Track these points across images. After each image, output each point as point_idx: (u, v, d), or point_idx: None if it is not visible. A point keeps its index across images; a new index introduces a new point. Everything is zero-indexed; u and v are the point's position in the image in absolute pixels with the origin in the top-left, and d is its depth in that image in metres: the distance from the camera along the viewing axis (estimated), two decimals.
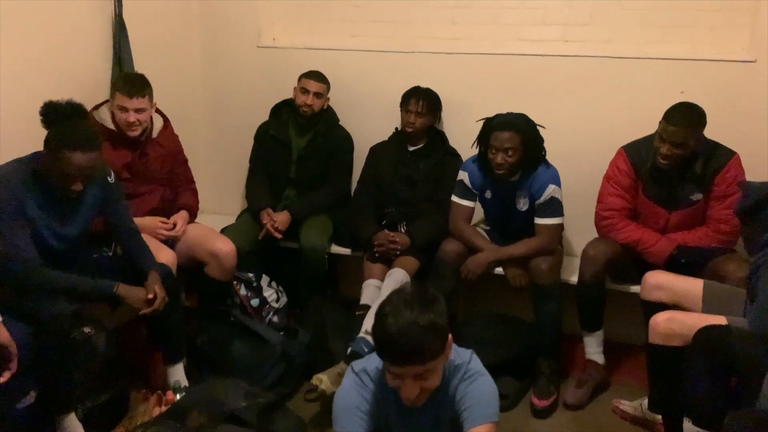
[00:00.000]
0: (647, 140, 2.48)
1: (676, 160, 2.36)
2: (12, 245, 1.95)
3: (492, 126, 2.54)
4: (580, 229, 2.93)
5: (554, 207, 2.57)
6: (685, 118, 2.32)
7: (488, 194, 2.69)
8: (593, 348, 2.60)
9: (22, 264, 1.97)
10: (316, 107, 2.94)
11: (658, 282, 2.34)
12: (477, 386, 1.60)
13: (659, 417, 2.28)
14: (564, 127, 2.80)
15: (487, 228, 2.82)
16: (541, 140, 2.58)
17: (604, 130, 2.81)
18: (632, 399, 2.44)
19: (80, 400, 2.12)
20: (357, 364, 1.67)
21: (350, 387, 1.63)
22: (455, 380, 1.61)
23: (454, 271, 2.62)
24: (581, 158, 2.84)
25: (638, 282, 2.44)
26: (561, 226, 2.64)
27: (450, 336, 1.52)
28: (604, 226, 2.56)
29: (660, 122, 2.39)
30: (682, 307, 2.22)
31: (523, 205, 2.62)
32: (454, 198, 2.71)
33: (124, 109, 2.44)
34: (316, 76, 2.96)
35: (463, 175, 2.69)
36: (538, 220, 2.59)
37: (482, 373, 1.64)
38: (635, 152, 2.50)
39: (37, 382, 1.96)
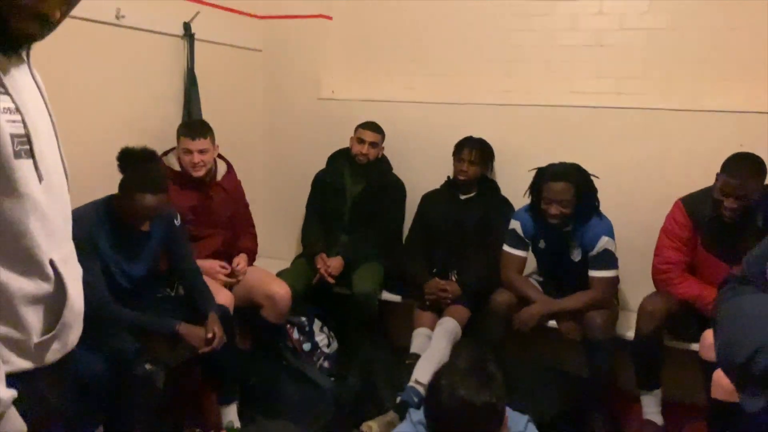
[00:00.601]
0: (705, 192, 2.44)
1: (739, 212, 2.30)
2: (86, 279, 2.06)
3: (545, 176, 2.54)
4: (635, 283, 2.87)
5: (607, 259, 2.53)
6: (746, 168, 2.28)
7: (542, 244, 2.68)
8: (651, 408, 2.51)
9: (95, 298, 2.07)
10: (371, 156, 3.03)
11: None
12: None
13: None
14: (617, 179, 2.79)
15: (540, 279, 2.80)
16: (595, 190, 2.57)
17: (658, 183, 2.79)
18: None
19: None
20: (415, 414, 1.66)
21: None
22: None
23: (504, 321, 2.59)
24: (635, 211, 2.82)
25: (698, 339, 2.36)
26: (615, 279, 2.59)
27: (507, 416, 1.50)
28: (661, 279, 2.51)
29: (719, 174, 2.35)
30: None
31: (576, 255, 2.60)
32: (506, 248, 2.71)
33: (188, 151, 2.59)
34: (372, 126, 3.06)
35: (515, 224, 2.69)
36: (592, 273, 2.55)
37: None
38: (693, 205, 2.46)
39: (105, 413, 2.03)
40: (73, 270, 1.17)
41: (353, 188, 3.11)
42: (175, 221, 2.34)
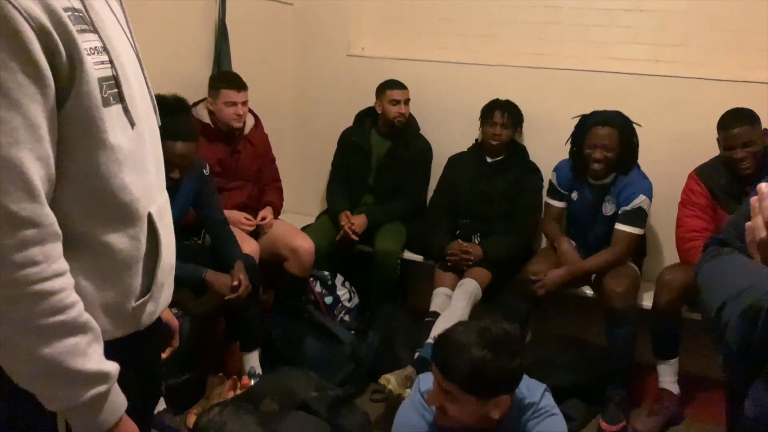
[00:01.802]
0: (715, 160, 2.47)
1: (751, 160, 2.33)
2: None
3: (589, 122, 2.55)
4: (658, 255, 2.86)
5: (640, 216, 2.55)
6: (740, 117, 2.35)
7: (575, 196, 2.70)
8: (668, 377, 2.52)
9: None
10: (407, 114, 3.02)
11: None
12: (547, 425, 1.58)
13: None
14: (651, 149, 2.73)
15: (574, 244, 2.76)
16: (637, 140, 2.58)
17: (694, 156, 2.71)
18: None
19: (163, 377, 2.25)
20: (423, 383, 1.67)
21: (412, 406, 1.63)
22: (525, 417, 1.60)
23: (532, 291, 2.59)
24: (667, 183, 2.75)
25: None
26: (640, 238, 2.61)
27: (506, 398, 1.51)
28: (687, 249, 2.48)
29: (718, 136, 2.39)
30: None
31: (609, 210, 2.61)
32: (545, 198, 2.78)
33: (233, 103, 2.61)
34: (398, 84, 3.03)
35: (552, 175, 2.74)
36: (620, 226, 2.56)
37: (553, 411, 1.61)
38: (706, 173, 2.48)
39: None
40: (168, 223, 1.08)
41: (379, 149, 3.10)
42: (204, 171, 2.37)
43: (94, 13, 0.90)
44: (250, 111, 2.83)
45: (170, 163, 2.13)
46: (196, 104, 2.71)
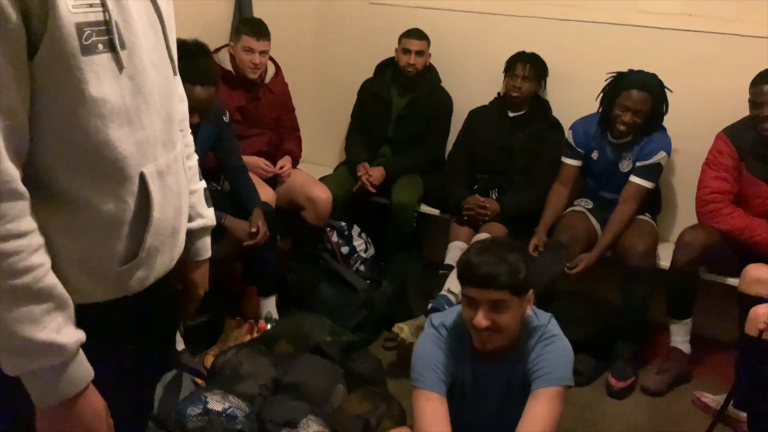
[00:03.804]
0: (746, 119, 2.39)
1: None
2: None
3: (625, 83, 2.50)
4: (677, 213, 2.83)
5: (656, 171, 2.56)
6: None
7: (594, 155, 2.67)
8: (679, 336, 2.52)
9: None
10: (419, 65, 2.97)
11: (760, 275, 2.23)
12: (552, 348, 1.62)
13: (744, 415, 2.20)
14: (677, 106, 2.66)
15: (590, 205, 2.76)
16: (668, 105, 2.55)
17: (720, 115, 2.64)
18: (716, 393, 2.37)
19: (182, 317, 2.31)
20: (436, 318, 1.72)
21: (428, 339, 1.69)
22: (532, 341, 1.64)
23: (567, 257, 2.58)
24: (695, 141, 2.69)
25: (736, 274, 2.34)
26: (651, 191, 2.61)
27: (531, 291, 1.58)
28: (708, 211, 2.45)
29: (750, 94, 2.32)
30: None
31: (626, 166, 2.61)
32: (562, 158, 2.75)
33: (251, 51, 2.58)
34: (416, 33, 2.97)
35: (567, 134, 2.72)
36: (634, 179, 2.56)
37: (560, 336, 1.66)
38: (735, 133, 2.41)
39: None
40: (174, 183, 0.99)
41: (399, 100, 3.07)
42: (224, 117, 2.38)
43: None
44: (271, 59, 2.81)
45: (189, 107, 2.14)
46: (218, 50, 2.70)
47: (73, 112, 0.82)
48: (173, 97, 1.01)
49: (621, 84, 2.52)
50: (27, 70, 0.77)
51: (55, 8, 0.77)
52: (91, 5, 0.81)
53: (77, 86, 0.81)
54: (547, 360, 1.60)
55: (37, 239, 0.81)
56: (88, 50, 0.80)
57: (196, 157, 1.20)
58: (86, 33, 0.80)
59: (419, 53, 2.96)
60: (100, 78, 0.82)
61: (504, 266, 1.52)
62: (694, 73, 2.71)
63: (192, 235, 1.17)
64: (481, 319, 1.53)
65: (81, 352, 0.87)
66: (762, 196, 2.40)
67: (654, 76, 2.53)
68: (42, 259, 0.82)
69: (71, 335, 0.85)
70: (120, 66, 0.85)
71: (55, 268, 0.85)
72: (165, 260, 1.02)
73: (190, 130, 1.20)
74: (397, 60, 3.02)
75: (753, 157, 2.38)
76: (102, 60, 0.82)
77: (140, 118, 0.90)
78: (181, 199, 1.05)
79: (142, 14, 0.91)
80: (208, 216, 1.21)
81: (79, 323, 0.88)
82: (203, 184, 1.21)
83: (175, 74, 1.01)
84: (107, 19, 0.82)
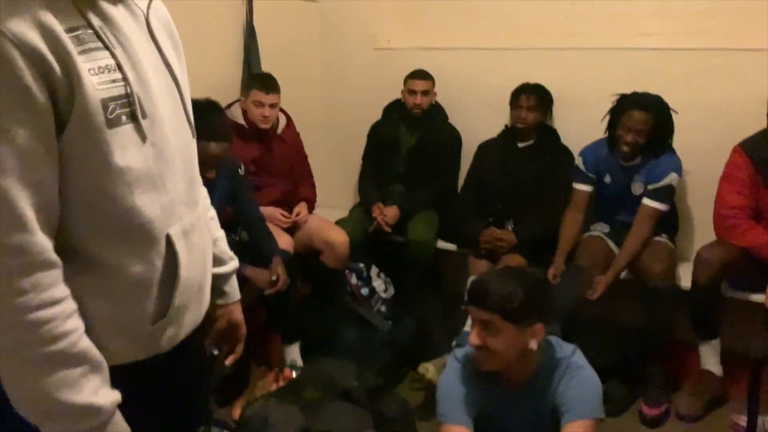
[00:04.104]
0: (763, 133, 2.37)
1: None
2: None
3: (627, 104, 2.53)
4: (694, 232, 2.81)
5: (668, 193, 2.56)
6: None
7: (607, 179, 2.68)
8: (709, 358, 2.47)
9: None
10: (425, 105, 3.03)
11: None
12: (579, 380, 1.60)
13: None
14: (685, 123, 2.67)
15: (606, 229, 2.76)
16: (672, 126, 2.56)
17: (729, 128, 2.65)
18: None
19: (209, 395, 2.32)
20: (459, 351, 1.72)
21: (453, 373, 1.68)
22: (557, 373, 1.62)
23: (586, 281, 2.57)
24: (702, 157, 2.70)
25: (762, 289, 2.30)
26: (665, 213, 2.59)
27: (538, 325, 1.57)
28: (726, 227, 2.42)
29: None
30: None
31: (637, 189, 2.61)
32: (573, 184, 2.76)
33: (261, 104, 2.66)
34: (421, 74, 3.04)
35: (578, 160, 2.73)
36: (647, 201, 2.55)
37: (585, 367, 1.64)
38: (752, 147, 2.39)
39: None
40: (199, 240, 1.03)
41: (408, 139, 3.12)
42: (240, 170, 2.44)
43: (115, 29, 0.89)
44: (282, 110, 2.88)
45: (204, 163, 2.21)
46: (230, 105, 2.78)
47: (101, 182, 0.86)
48: (193, 159, 1.05)
49: (624, 105, 2.56)
50: (56, 147, 0.82)
51: (82, 87, 0.82)
52: (113, 81, 0.86)
53: (104, 157, 0.85)
54: (574, 393, 1.58)
55: (71, 305, 0.85)
56: (112, 123, 0.85)
57: (212, 207, 1.26)
58: (110, 107, 0.85)
59: (425, 93, 3.02)
60: (125, 148, 0.87)
61: (498, 289, 1.53)
62: (699, 90, 2.72)
63: (225, 278, 1.24)
64: (473, 337, 1.56)
65: (117, 412, 0.89)
66: None
67: (657, 97, 2.55)
68: (76, 323, 0.85)
69: (108, 396, 0.88)
70: (143, 135, 0.89)
71: (89, 331, 0.88)
72: (193, 317, 1.06)
73: (202, 182, 1.25)
74: (403, 101, 3.08)
75: None
76: (126, 131, 0.87)
77: (164, 182, 0.94)
78: (206, 255, 1.09)
79: (161, 84, 0.96)
80: (235, 258, 1.28)
81: (114, 384, 0.90)
82: (223, 232, 1.27)
83: (193, 136, 1.06)
84: (129, 92, 0.88)
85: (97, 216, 0.87)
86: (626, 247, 2.57)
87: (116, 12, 0.90)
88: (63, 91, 0.80)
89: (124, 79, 0.87)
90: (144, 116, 0.90)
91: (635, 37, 2.87)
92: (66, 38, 0.81)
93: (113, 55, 0.87)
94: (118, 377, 0.91)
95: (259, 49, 2.98)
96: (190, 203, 1.02)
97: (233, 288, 1.27)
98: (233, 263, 1.26)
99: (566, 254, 2.69)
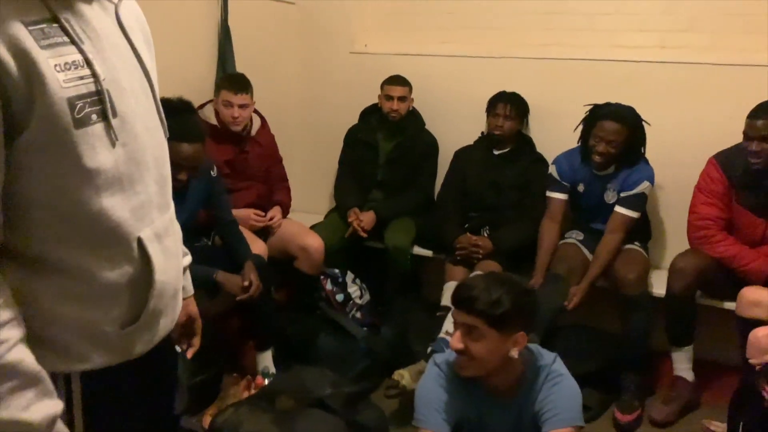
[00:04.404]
0: (738, 148, 2.40)
1: (765, 157, 2.26)
2: None
3: (600, 114, 2.56)
4: (669, 241, 2.85)
5: (640, 201, 2.59)
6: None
7: (581, 187, 2.70)
8: (682, 364, 2.50)
9: None
10: (402, 111, 3.02)
11: (757, 298, 2.23)
12: (560, 388, 1.61)
13: None
14: (659, 136, 2.72)
15: (581, 236, 2.77)
16: (644, 137, 2.59)
17: (702, 140, 2.71)
18: (723, 420, 2.34)
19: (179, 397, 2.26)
20: (439, 357, 1.71)
21: (432, 379, 1.67)
22: (538, 381, 1.63)
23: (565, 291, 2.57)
24: (676, 168, 2.76)
25: (731, 298, 2.34)
26: (637, 220, 2.62)
27: (520, 333, 1.56)
28: (698, 237, 2.47)
29: (745, 123, 2.31)
30: None
31: (611, 198, 2.63)
32: (547, 192, 2.76)
33: (230, 105, 2.60)
34: (397, 80, 3.03)
35: (551, 168, 2.74)
36: (619, 209, 2.59)
37: (566, 375, 1.65)
38: (726, 160, 2.42)
39: None
40: (172, 244, 1.00)
41: (385, 144, 3.10)
42: (212, 172, 2.38)
43: (83, 22, 0.84)
44: (256, 112, 2.84)
45: (177, 165, 2.15)
46: (202, 106, 2.73)
47: (66, 185, 0.82)
48: (166, 159, 1.01)
49: (596, 115, 2.58)
50: (3, 154, 0.77)
51: (44, 86, 0.77)
52: (81, 77, 0.81)
53: (71, 160, 0.81)
54: (555, 401, 1.58)
55: (3, 315, 0.79)
56: (81, 123, 0.80)
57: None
58: (78, 106, 0.80)
59: (402, 99, 3.01)
60: (94, 149, 0.83)
61: (485, 295, 1.52)
62: (673, 103, 2.77)
63: (183, 272, 1.21)
64: (455, 341, 1.55)
65: (58, 423, 0.84)
66: (752, 226, 2.42)
67: (630, 108, 2.58)
68: (7, 334, 0.79)
69: (42, 411, 0.81)
70: (113, 135, 0.85)
71: (56, 335, 0.86)
72: (167, 322, 1.03)
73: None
74: (380, 106, 3.06)
75: (742, 187, 2.39)
76: (95, 130, 0.83)
77: (134, 184, 0.90)
78: (179, 258, 1.06)
79: (134, 80, 0.92)
80: (189, 253, 1.25)
81: (85, 389, 0.89)
82: (178, 226, 1.23)
83: (166, 136, 1.02)
84: (99, 89, 0.83)
85: (61, 219, 0.83)
86: (598, 255, 2.60)
87: (85, 6, 0.86)
88: (19, 91, 0.75)
89: (94, 75, 0.82)
90: (114, 115, 0.85)
91: (611, 49, 2.92)
92: (25, 32, 0.76)
93: (81, 51, 0.82)
94: (89, 382, 0.90)
95: (234, 49, 2.93)
96: (162, 205, 0.98)
97: (189, 282, 1.26)
98: (188, 258, 1.23)
99: (545, 265, 2.68)
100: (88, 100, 0.81)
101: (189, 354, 1.29)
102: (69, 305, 0.87)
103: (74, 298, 0.87)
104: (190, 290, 1.27)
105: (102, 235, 0.86)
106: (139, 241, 0.91)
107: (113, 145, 0.85)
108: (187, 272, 1.25)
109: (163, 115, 1.00)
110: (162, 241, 0.96)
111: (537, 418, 1.59)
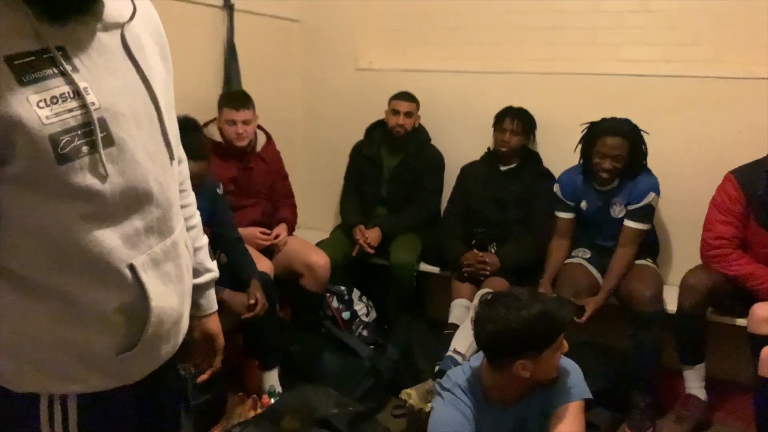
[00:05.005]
0: (757, 164, 2.36)
1: None
2: None
3: (599, 131, 2.55)
4: (678, 257, 2.82)
5: (648, 212, 2.56)
6: None
7: (584, 205, 2.68)
8: (694, 382, 2.46)
9: None
10: (407, 126, 3.01)
11: None
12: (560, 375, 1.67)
13: None
14: (664, 149, 2.71)
15: (588, 254, 2.74)
16: (646, 147, 2.57)
17: (707, 154, 2.70)
18: None
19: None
20: (446, 381, 1.70)
21: (446, 403, 1.65)
22: (540, 392, 1.65)
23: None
24: (682, 183, 2.74)
25: (743, 315, 2.31)
26: (647, 232, 2.59)
27: (521, 362, 1.60)
28: (713, 256, 2.42)
29: None
30: None
31: (618, 212, 2.61)
32: (555, 212, 2.76)
33: (233, 122, 2.61)
34: (405, 96, 3.03)
35: (555, 188, 2.73)
36: (629, 223, 2.56)
37: (563, 359, 1.69)
38: (745, 177, 2.37)
39: None
40: (174, 268, 0.97)
41: (390, 160, 3.09)
42: (218, 190, 2.38)
43: (78, 49, 0.81)
44: (261, 128, 2.84)
45: None
46: (207, 124, 2.73)
47: (52, 215, 0.81)
48: (171, 184, 0.98)
49: (595, 132, 2.57)
50: None
51: (23, 126, 0.75)
52: (70, 110, 0.79)
53: (58, 192, 0.80)
54: (558, 385, 1.65)
55: None
56: (66, 158, 0.78)
57: (198, 214, 1.23)
58: (64, 141, 0.78)
59: (408, 114, 3.01)
60: (83, 181, 0.80)
61: (483, 331, 1.61)
62: (677, 116, 2.76)
63: (201, 289, 1.20)
64: None
65: None
66: (767, 245, 2.37)
67: (626, 121, 2.57)
68: None
69: None
70: (104, 166, 0.82)
71: (50, 357, 0.85)
72: (169, 348, 1.01)
73: (190, 188, 1.21)
74: (386, 121, 3.06)
75: (762, 207, 2.34)
76: (84, 163, 0.80)
77: (129, 212, 0.88)
78: (185, 282, 1.03)
79: (137, 104, 0.89)
80: (215, 269, 1.24)
81: (81, 413, 0.87)
82: (206, 239, 1.24)
83: (172, 159, 0.98)
84: (89, 120, 0.80)
85: (51, 247, 0.82)
86: (613, 269, 2.56)
87: (85, 30, 0.83)
88: None
89: (84, 106, 0.80)
90: (112, 143, 0.83)
91: (615, 63, 2.92)
92: (6, 70, 0.74)
93: (71, 82, 0.79)
94: (87, 406, 0.88)
95: (239, 67, 2.94)
96: (164, 231, 0.95)
97: (209, 300, 1.23)
98: (209, 275, 1.22)
99: (552, 277, 2.67)
100: (78, 132, 0.79)
101: (204, 377, 1.27)
102: (62, 328, 0.86)
103: (67, 321, 0.86)
104: (207, 308, 1.23)
105: (92, 263, 0.85)
106: (132, 268, 0.89)
107: (105, 175, 0.83)
108: (210, 290, 1.23)
109: (171, 139, 0.97)
110: (161, 266, 0.94)
111: (544, 413, 1.63)
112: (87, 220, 0.83)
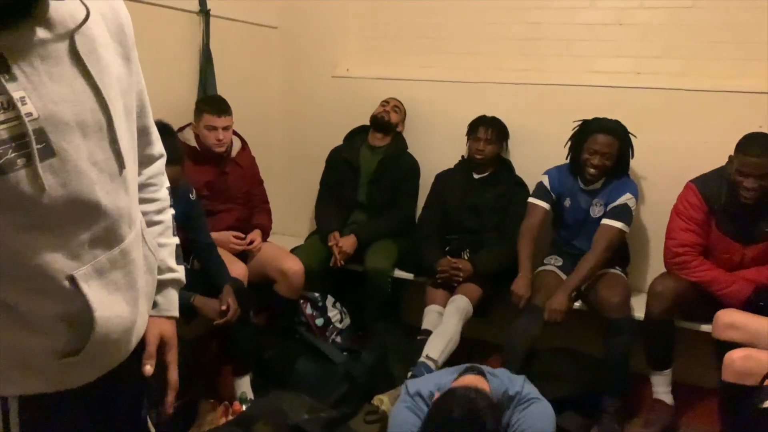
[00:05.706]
0: (717, 173, 2.43)
1: (759, 192, 2.27)
2: None
3: (591, 128, 2.61)
4: (646, 264, 2.88)
5: (625, 212, 2.59)
6: (764, 147, 2.25)
7: (567, 202, 2.73)
8: (661, 387, 2.51)
9: None
10: (393, 120, 3.07)
11: (732, 321, 2.25)
12: (531, 410, 1.63)
13: None
14: (634, 160, 2.76)
15: (560, 262, 2.79)
16: (633, 151, 2.65)
17: (675, 164, 2.76)
18: None
19: (154, 404, 2.22)
20: (412, 386, 1.71)
21: (405, 406, 1.66)
22: (509, 410, 1.63)
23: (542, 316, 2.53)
24: (652, 192, 2.80)
25: (709, 320, 2.36)
26: (622, 234, 2.61)
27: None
28: (676, 263, 2.48)
29: (733, 155, 2.33)
30: (755, 347, 2.14)
31: (597, 212, 2.66)
32: (530, 199, 2.78)
33: (213, 128, 2.61)
34: (396, 98, 3.13)
35: (543, 178, 2.77)
36: (605, 221, 2.60)
37: (537, 397, 1.66)
38: (706, 186, 2.43)
39: None
40: (121, 277, 0.95)
41: (368, 165, 3.11)
42: (191, 195, 2.37)
43: (21, 55, 0.78)
44: (236, 134, 2.84)
45: None
46: (182, 129, 2.72)
47: None
48: (119, 193, 0.93)
49: (587, 130, 2.63)
50: None
51: None
52: (3, 122, 0.76)
53: None
54: (527, 423, 1.59)
55: None
56: (3, 170, 0.76)
57: (171, 212, 1.19)
58: None
59: (396, 109, 3.07)
60: (19, 195, 0.78)
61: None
62: (647, 127, 2.81)
63: (159, 287, 1.15)
64: None
65: None
66: (730, 252, 2.43)
67: (617, 122, 2.64)
68: None
69: None
70: (41, 179, 0.80)
71: None
72: (119, 355, 0.99)
73: (166, 185, 1.19)
74: (376, 114, 3.09)
75: (723, 214, 2.40)
76: (19, 177, 0.78)
77: (71, 223, 0.86)
78: (136, 288, 1.00)
79: (84, 113, 0.85)
80: (179, 270, 1.19)
81: (24, 413, 0.87)
82: (176, 240, 1.19)
83: (122, 168, 0.93)
84: (25, 131, 0.77)
85: None
86: (578, 269, 2.57)
87: (26, 34, 0.79)
88: None
89: (18, 117, 0.76)
90: (52, 154, 0.80)
91: (587, 74, 2.98)
92: None
93: (4, 92, 0.76)
94: (33, 407, 0.87)
95: (215, 73, 2.94)
96: (111, 241, 0.92)
97: (167, 300, 1.18)
98: (170, 275, 1.17)
99: (531, 270, 2.70)
100: (12, 144, 0.76)
101: (169, 410, 1.21)
102: (3, 330, 0.85)
103: (7, 326, 0.84)
104: (165, 308, 1.17)
105: (30, 273, 0.83)
106: (72, 279, 0.87)
107: (43, 188, 0.80)
108: (169, 290, 1.18)
109: (121, 146, 0.92)
110: (106, 276, 0.92)
111: None
112: (24, 230, 0.81)
